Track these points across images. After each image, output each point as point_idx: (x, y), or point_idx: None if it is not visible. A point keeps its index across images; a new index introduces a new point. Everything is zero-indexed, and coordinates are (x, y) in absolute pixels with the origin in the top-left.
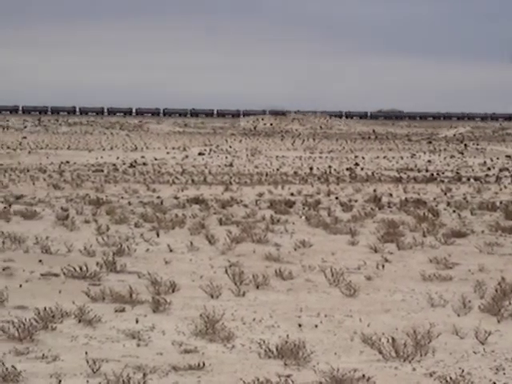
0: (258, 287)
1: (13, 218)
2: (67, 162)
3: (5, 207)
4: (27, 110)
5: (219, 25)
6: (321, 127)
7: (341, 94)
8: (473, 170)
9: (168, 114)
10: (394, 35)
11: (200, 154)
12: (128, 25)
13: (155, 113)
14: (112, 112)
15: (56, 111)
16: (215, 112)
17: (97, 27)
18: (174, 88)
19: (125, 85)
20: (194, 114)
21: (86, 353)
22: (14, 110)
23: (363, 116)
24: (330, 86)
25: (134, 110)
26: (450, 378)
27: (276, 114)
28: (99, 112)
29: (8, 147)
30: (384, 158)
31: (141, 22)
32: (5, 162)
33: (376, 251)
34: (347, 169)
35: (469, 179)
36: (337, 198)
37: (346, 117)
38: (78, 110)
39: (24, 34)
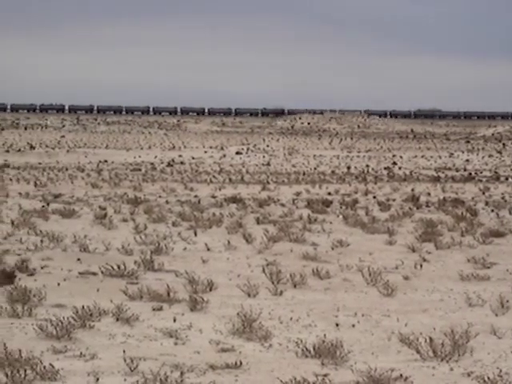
0: (295, 286)
1: (51, 216)
2: (105, 160)
3: (43, 206)
4: (73, 109)
5: (259, 24)
6: (358, 126)
7: (379, 92)
8: (511, 170)
9: (212, 113)
10: (433, 34)
11: (237, 153)
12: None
13: (200, 112)
14: (158, 111)
15: (102, 110)
16: (259, 112)
17: (137, 25)
18: (215, 87)
19: (166, 84)
20: (239, 113)
21: (124, 351)
22: (60, 110)
23: (402, 115)
24: (369, 84)
25: (179, 109)
26: (488, 378)
27: (314, 112)
28: (145, 111)
29: (47, 146)
30: (422, 157)
31: (179, 21)
32: (43, 160)
33: (414, 251)
34: (385, 168)
35: (507, 178)
36: (374, 198)
37: (385, 116)
38: (124, 109)
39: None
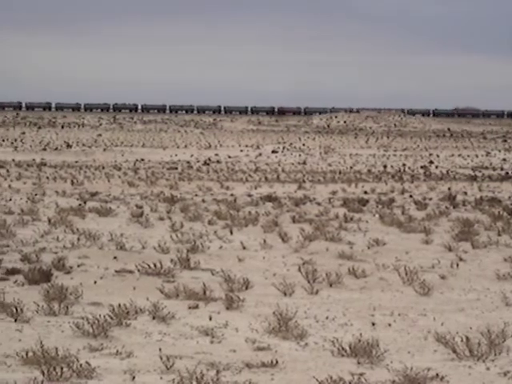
0: (331, 285)
1: (88, 214)
2: (142, 159)
3: (80, 204)
4: (117, 108)
5: (295, 23)
6: (395, 125)
7: (415, 91)
8: None
9: (256, 111)
10: (470, 33)
11: (273, 151)
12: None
13: (243, 111)
14: (202, 110)
15: (146, 109)
16: (303, 110)
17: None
18: (255, 86)
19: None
20: (282, 112)
21: (160, 349)
22: (105, 108)
23: (438, 114)
24: (404, 83)
25: (222, 108)
26: None
27: (350, 111)
28: (188, 110)
29: (83, 144)
30: (459, 156)
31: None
32: (80, 159)
33: (450, 250)
34: (421, 167)
35: None
36: (411, 197)
37: (422, 114)
38: (168, 108)
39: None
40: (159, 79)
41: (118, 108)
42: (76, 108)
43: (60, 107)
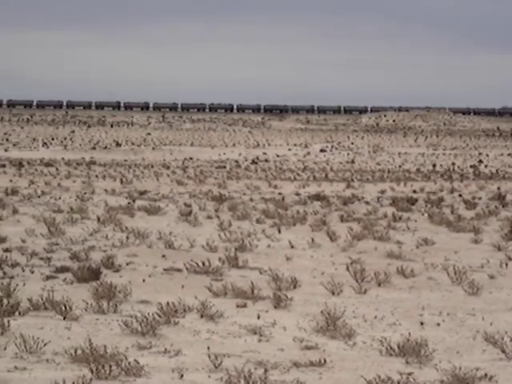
0: (379, 285)
1: (137, 213)
2: (190, 158)
3: (129, 203)
4: (157, 107)
5: (341, 22)
6: (444, 124)
7: (465, 90)
8: None
9: (295, 110)
10: None
11: (322, 150)
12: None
13: (283, 110)
14: (241, 109)
15: (186, 108)
16: (342, 108)
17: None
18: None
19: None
20: (322, 111)
21: (208, 348)
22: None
23: (488, 113)
24: (454, 82)
25: (262, 108)
26: None
27: (399, 110)
28: (228, 109)
29: (132, 143)
30: (508, 155)
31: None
32: (129, 157)
33: (500, 249)
34: (471, 166)
35: None
36: (460, 196)
37: (471, 113)
38: (207, 107)
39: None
40: (198, 78)
41: (157, 107)
42: (116, 106)
43: (100, 106)
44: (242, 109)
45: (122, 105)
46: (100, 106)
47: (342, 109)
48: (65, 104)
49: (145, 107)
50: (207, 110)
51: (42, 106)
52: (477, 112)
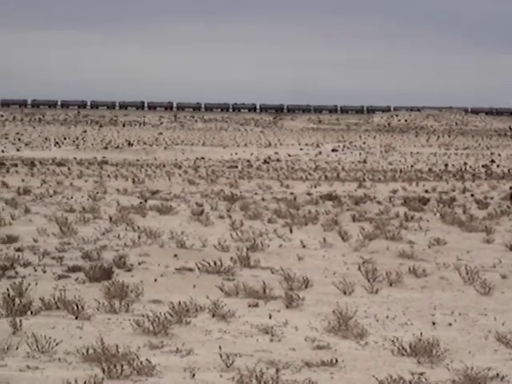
0: (391, 284)
1: (149, 212)
2: (202, 157)
3: (141, 202)
4: (181, 107)
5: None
6: (456, 123)
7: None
8: None
9: (319, 110)
10: None
11: (333, 150)
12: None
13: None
14: (264, 109)
15: (209, 108)
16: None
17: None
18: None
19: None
20: (318, 110)
21: (220, 347)
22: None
23: (500, 112)
24: (464, 82)
25: (285, 107)
26: None
27: (411, 109)
28: (251, 109)
29: (144, 143)
30: None
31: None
32: (141, 157)
33: (511, 249)
34: (483, 166)
35: None
36: (472, 196)
37: (485, 113)
38: (230, 106)
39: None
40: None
41: (181, 107)
42: (140, 106)
43: (124, 106)
44: (237, 108)
45: (146, 105)
46: (124, 106)
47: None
48: (89, 104)
49: (169, 107)
50: (230, 110)
51: (66, 105)
52: (499, 112)
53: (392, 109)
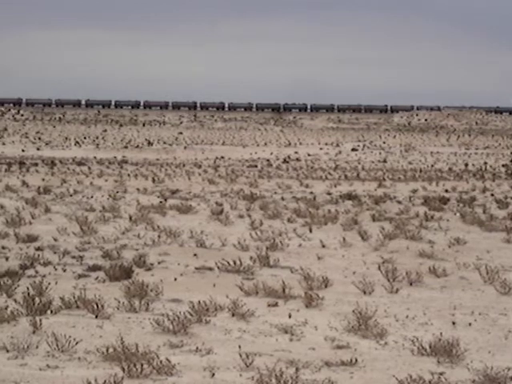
0: (411, 284)
1: (168, 212)
2: (222, 157)
3: (161, 202)
4: (204, 106)
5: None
6: (476, 123)
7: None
8: None
9: (288, 109)
10: None
11: (353, 149)
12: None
13: (275, 108)
14: (288, 109)
15: (233, 107)
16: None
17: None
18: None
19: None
20: (315, 109)
21: (239, 347)
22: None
23: None
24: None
25: (309, 107)
26: None
27: (431, 109)
28: (275, 108)
29: (164, 142)
30: None
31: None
32: (161, 156)
33: None
34: (503, 165)
35: None
36: (492, 195)
37: (502, 112)
38: (254, 106)
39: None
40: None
41: (205, 106)
42: (164, 106)
43: (148, 105)
44: (261, 108)
45: (170, 105)
46: (148, 106)
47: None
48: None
49: (192, 107)
50: (254, 109)
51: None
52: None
53: (415, 108)
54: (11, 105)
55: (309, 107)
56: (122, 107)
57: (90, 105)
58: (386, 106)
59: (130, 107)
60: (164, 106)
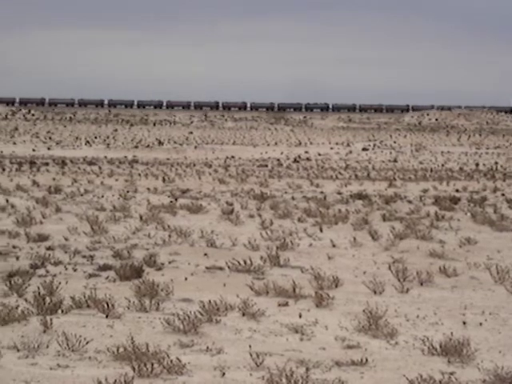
0: (421, 284)
1: (179, 211)
2: (232, 156)
3: (171, 201)
4: (227, 106)
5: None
6: (487, 122)
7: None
8: None
9: (283, 108)
10: None
11: (364, 149)
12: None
13: (269, 108)
14: (309, 108)
15: (255, 107)
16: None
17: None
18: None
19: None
20: (309, 108)
21: (250, 346)
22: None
23: None
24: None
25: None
26: None
27: (442, 108)
28: (297, 108)
29: (175, 142)
30: None
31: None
32: (172, 156)
33: None
34: None
35: None
36: (503, 195)
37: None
38: (276, 106)
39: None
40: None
41: (227, 106)
42: (186, 106)
43: (171, 105)
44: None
45: (192, 104)
46: (170, 106)
47: (331, 107)
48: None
49: (214, 107)
50: (276, 109)
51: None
52: None
53: (435, 107)
54: (34, 104)
55: (330, 107)
56: (144, 107)
57: (112, 105)
58: (408, 105)
59: (152, 107)
60: (186, 106)
